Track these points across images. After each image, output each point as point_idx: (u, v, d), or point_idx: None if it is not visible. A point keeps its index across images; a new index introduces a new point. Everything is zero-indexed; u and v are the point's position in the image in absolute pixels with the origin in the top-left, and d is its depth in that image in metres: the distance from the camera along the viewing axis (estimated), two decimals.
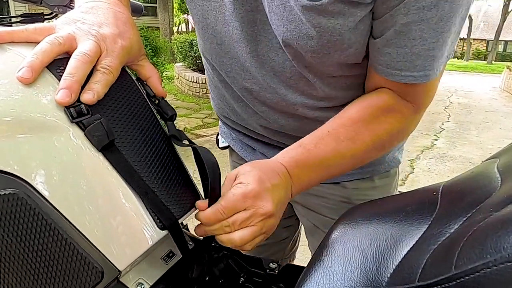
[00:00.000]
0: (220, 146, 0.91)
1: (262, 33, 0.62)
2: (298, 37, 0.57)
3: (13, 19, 1.06)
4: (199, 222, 0.54)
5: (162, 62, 4.41)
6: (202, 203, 0.53)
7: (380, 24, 0.55)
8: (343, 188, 0.81)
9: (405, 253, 0.40)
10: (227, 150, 0.95)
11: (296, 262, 1.07)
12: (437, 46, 0.54)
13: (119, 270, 0.44)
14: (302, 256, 1.28)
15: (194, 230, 0.55)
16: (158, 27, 12.34)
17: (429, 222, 0.41)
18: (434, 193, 0.45)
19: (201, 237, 0.56)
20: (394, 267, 0.39)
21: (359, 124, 0.62)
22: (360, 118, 0.63)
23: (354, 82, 0.67)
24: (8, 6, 11.13)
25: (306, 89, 0.67)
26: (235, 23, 0.62)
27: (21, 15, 0.94)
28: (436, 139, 5.43)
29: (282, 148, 0.64)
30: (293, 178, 0.59)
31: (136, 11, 0.94)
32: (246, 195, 0.52)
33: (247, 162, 0.83)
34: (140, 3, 0.96)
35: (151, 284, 0.49)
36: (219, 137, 0.92)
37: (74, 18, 0.51)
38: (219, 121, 0.93)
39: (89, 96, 0.45)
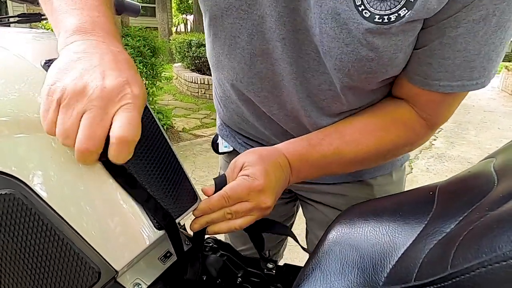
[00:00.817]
0: (220, 151, 0.87)
1: (302, 54, 0.59)
2: (355, 59, 0.54)
3: (11, 19, 1.06)
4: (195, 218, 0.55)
5: (160, 63, 4.41)
6: (209, 188, 0.56)
7: (423, 35, 0.54)
8: (368, 185, 0.81)
9: (401, 252, 0.40)
10: None
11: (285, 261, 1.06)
12: (478, 58, 0.54)
13: (116, 270, 0.44)
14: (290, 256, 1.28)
15: (190, 226, 0.56)
16: (157, 27, 12.34)
17: (426, 222, 0.41)
18: (431, 193, 0.45)
19: (194, 232, 0.57)
20: (390, 267, 0.39)
21: (367, 129, 0.63)
22: (371, 123, 0.63)
23: (379, 91, 0.66)
24: (6, 6, 11.13)
25: (335, 110, 0.66)
26: (276, 43, 0.58)
27: (18, 15, 0.94)
28: (435, 139, 5.44)
29: None
30: (293, 170, 0.62)
31: (133, 11, 0.94)
32: (253, 189, 0.55)
33: None
34: (138, 3, 0.96)
35: (148, 284, 0.49)
36: (220, 141, 0.88)
37: (67, 69, 0.42)
38: (219, 125, 0.89)
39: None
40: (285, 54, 0.59)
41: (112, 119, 0.40)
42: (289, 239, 1.11)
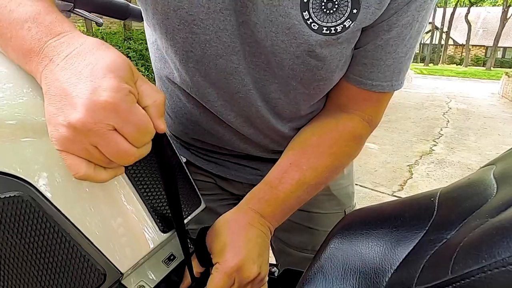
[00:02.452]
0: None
1: (253, 65, 0.60)
2: (306, 69, 0.58)
3: None
4: None
5: None
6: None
7: (361, 38, 0.59)
8: None
9: (402, 258, 0.41)
10: None
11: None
12: (404, 60, 0.61)
13: (121, 272, 0.44)
14: None
15: None
16: None
17: (427, 228, 0.41)
18: (432, 199, 0.45)
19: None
20: (392, 272, 0.40)
21: (320, 151, 0.66)
22: (321, 144, 0.66)
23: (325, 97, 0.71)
24: None
25: (292, 115, 0.69)
26: (231, 57, 0.58)
27: None
28: (435, 145, 5.44)
29: (254, 157, 0.68)
30: (268, 218, 0.63)
31: (138, 16, 0.95)
32: (230, 274, 0.55)
33: (207, 172, 0.83)
34: (141, 8, 0.96)
35: (152, 286, 0.50)
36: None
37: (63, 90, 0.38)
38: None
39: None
40: (240, 66, 0.59)
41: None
42: None
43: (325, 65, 0.58)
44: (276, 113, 0.67)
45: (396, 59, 0.60)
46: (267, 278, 0.61)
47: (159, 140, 0.44)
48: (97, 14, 0.96)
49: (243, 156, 0.78)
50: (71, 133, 0.37)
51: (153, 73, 0.76)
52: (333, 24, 0.53)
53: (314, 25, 0.53)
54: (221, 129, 0.71)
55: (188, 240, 0.60)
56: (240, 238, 0.58)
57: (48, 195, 0.42)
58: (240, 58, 0.58)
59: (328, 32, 0.53)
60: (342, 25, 0.53)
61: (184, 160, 0.82)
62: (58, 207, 0.42)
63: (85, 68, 0.38)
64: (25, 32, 0.41)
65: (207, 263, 0.57)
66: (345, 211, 0.90)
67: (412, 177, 4.08)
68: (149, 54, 0.79)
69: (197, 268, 0.58)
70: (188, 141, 0.80)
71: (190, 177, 0.56)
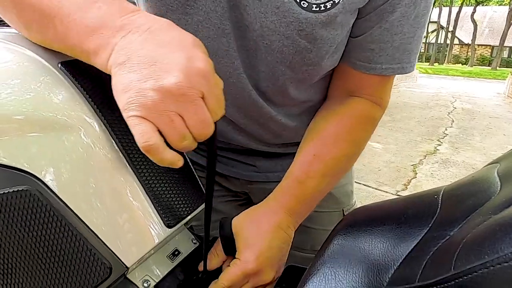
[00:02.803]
0: None
1: (243, 50, 0.60)
2: (295, 51, 0.57)
3: None
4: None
5: None
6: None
7: (363, 23, 0.59)
8: None
9: (406, 254, 0.41)
10: None
11: None
12: (413, 40, 0.60)
13: (126, 267, 0.45)
14: None
15: None
16: None
17: (430, 225, 0.42)
18: (435, 197, 0.45)
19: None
20: (395, 268, 0.40)
21: (339, 139, 0.65)
22: (339, 133, 0.66)
23: (322, 85, 0.71)
24: None
25: (286, 102, 0.69)
26: (221, 39, 0.58)
27: None
28: (439, 144, 5.42)
29: (251, 152, 0.68)
30: (296, 215, 0.62)
31: None
32: (247, 274, 0.56)
33: (205, 168, 0.83)
34: None
35: (157, 281, 0.50)
36: None
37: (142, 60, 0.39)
38: None
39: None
40: (230, 50, 0.59)
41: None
42: None
43: (315, 48, 0.57)
44: (267, 99, 0.67)
45: (404, 39, 0.59)
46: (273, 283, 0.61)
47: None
48: None
49: (239, 151, 0.78)
50: (161, 97, 0.37)
51: None
52: (323, 0, 0.52)
53: (303, 3, 0.52)
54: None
55: (194, 237, 0.61)
56: (266, 242, 0.57)
57: (55, 189, 0.42)
58: (230, 40, 0.58)
59: (318, 9, 0.52)
60: (331, 1, 0.52)
61: None
62: (65, 201, 0.42)
63: (172, 40, 0.39)
64: (95, 10, 0.41)
65: (232, 251, 0.58)
66: (343, 210, 0.90)
67: (416, 177, 4.07)
68: None
69: (212, 262, 0.59)
70: None
71: (194, 172, 0.57)
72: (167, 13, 0.57)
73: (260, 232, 0.58)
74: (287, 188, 0.63)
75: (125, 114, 0.38)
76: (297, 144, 0.74)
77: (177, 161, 0.41)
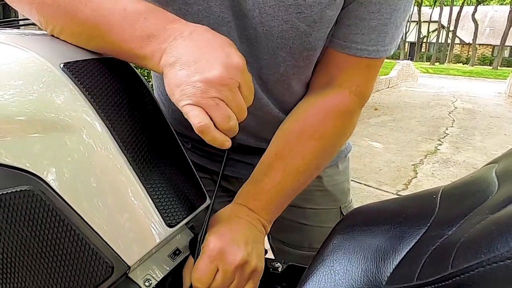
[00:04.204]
0: None
1: (244, 39, 0.61)
2: (295, 35, 0.59)
3: (21, 22, 1.08)
4: None
5: None
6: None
7: None
8: (317, 177, 0.84)
9: (404, 253, 0.41)
10: None
11: None
12: (390, 22, 0.61)
13: (128, 266, 0.45)
14: None
15: None
16: None
17: (428, 224, 0.42)
18: (434, 196, 0.46)
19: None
20: (393, 267, 0.40)
21: (304, 137, 0.64)
22: (305, 130, 0.65)
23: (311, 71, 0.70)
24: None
25: (285, 93, 0.69)
26: (222, 27, 0.60)
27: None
28: (440, 144, 5.42)
29: (248, 150, 0.70)
30: (257, 211, 0.61)
31: None
32: (211, 256, 0.53)
33: (204, 168, 0.83)
34: None
35: (158, 280, 0.51)
36: None
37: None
38: None
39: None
40: (231, 38, 0.59)
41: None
42: None
43: (314, 31, 0.59)
44: (267, 90, 0.68)
45: (381, 20, 0.60)
46: (261, 273, 0.58)
47: None
48: None
49: (237, 149, 0.78)
50: (207, 87, 0.44)
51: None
52: None
53: None
54: None
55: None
56: (225, 226, 0.57)
57: (57, 189, 0.43)
58: (231, 29, 0.60)
59: None
60: None
61: None
62: (67, 201, 0.43)
63: (211, 41, 0.47)
64: (141, 22, 0.48)
65: None
66: (340, 207, 0.90)
67: (416, 177, 4.07)
68: None
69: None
70: (183, 132, 0.79)
71: (195, 172, 0.57)
72: (168, 3, 0.59)
73: (217, 222, 0.58)
74: (245, 187, 0.64)
75: (179, 104, 0.45)
76: None
77: (226, 142, 0.47)
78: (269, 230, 0.64)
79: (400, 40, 0.66)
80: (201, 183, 0.57)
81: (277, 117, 0.71)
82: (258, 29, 0.59)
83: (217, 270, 0.54)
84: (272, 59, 0.63)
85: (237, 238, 0.56)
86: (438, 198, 0.45)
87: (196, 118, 0.44)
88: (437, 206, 0.44)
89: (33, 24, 1.06)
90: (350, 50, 0.63)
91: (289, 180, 0.63)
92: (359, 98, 0.67)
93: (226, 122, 0.45)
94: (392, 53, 0.66)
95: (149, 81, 0.60)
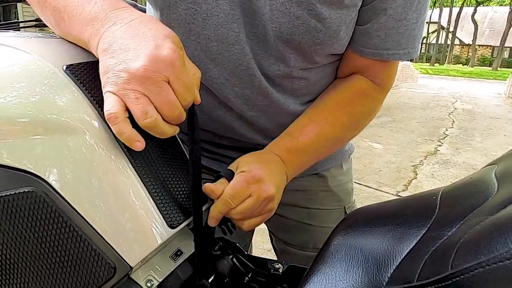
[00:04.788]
0: None
1: (252, 36, 0.63)
2: (305, 31, 0.60)
3: (21, 24, 1.09)
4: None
5: None
6: (215, 187, 0.58)
7: (369, 10, 0.62)
8: (322, 177, 0.87)
9: (404, 254, 0.41)
10: None
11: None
12: (417, 26, 0.64)
13: (130, 267, 0.46)
14: None
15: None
16: None
17: (428, 225, 0.42)
18: (434, 197, 0.46)
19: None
20: (394, 268, 0.41)
21: (336, 108, 0.70)
22: (336, 102, 0.71)
23: (330, 69, 0.74)
24: (16, 7, 11.18)
25: (294, 86, 0.71)
26: (231, 25, 0.60)
27: (35, 20, 0.97)
28: (440, 145, 5.43)
29: (249, 148, 0.70)
30: (287, 164, 0.66)
31: None
32: (249, 180, 0.58)
33: (209, 169, 0.84)
34: (144, 7, 0.97)
35: (160, 281, 0.51)
36: None
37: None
38: None
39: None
40: (240, 35, 0.62)
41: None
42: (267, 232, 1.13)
43: (324, 28, 0.60)
44: (276, 85, 0.70)
45: (408, 26, 0.63)
46: (273, 212, 0.62)
47: (191, 111, 0.52)
48: None
49: (242, 149, 0.79)
50: (129, 78, 0.42)
51: None
52: None
53: None
54: (221, 113, 0.72)
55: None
56: (265, 164, 0.61)
57: (60, 190, 0.43)
58: (240, 26, 0.61)
59: None
60: None
61: None
62: (69, 202, 0.43)
63: (147, 31, 0.45)
64: (92, 5, 0.48)
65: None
66: (344, 207, 0.91)
67: (416, 177, 4.08)
68: None
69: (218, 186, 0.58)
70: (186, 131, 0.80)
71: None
72: (177, 3, 0.60)
73: (255, 155, 0.64)
74: (279, 140, 0.69)
75: (103, 91, 0.44)
76: None
77: (134, 141, 0.44)
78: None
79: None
80: (202, 184, 0.57)
81: (293, 111, 0.72)
82: (267, 26, 0.60)
83: (249, 195, 0.57)
84: (280, 55, 0.64)
85: (272, 175, 0.61)
86: (438, 199, 0.46)
87: (107, 106, 0.43)
88: (437, 207, 0.44)
89: (33, 26, 1.07)
90: (381, 56, 0.66)
91: (319, 143, 0.69)
92: (381, 88, 0.73)
93: (143, 117, 0.43)
94: (419, 51, 0.70)
95: None
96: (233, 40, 0.61)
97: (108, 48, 0.44)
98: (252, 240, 1.11)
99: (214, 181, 0.60)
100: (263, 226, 1.06)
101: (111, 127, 0.44)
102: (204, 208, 0.56)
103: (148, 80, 0.42)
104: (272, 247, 1.03)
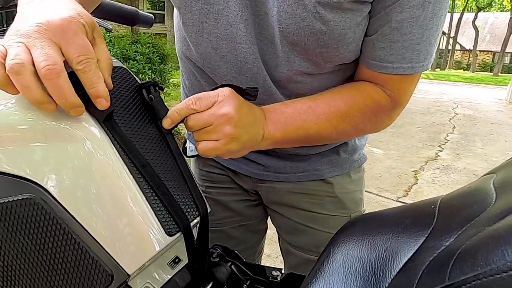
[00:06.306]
0: (188, 154, 0.87)
1: (261, 37, 0.65)
2: (310, 33, 0.61)
3: None
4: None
5: (169, 69, 4.48)
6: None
7: (375, 22, 0.63)
8: (329, 183, 0.87)
9: (403, 264, 0.41)
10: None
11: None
12: (422, 41, 0.63)
13: (128, 274, 0.45)
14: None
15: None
16: (166, 34, 12.42)
17: (427, 235, 0.42)
18: (432, 207, 0.46)
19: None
20: (391, 278, 0.40)
21: (334, 94, 0.70)
22: (337, 91, 0.70)
23: (333, 76, 0.73)
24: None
25: (298, 89, 0.72)
26: (240, 25, 0.64)
27: None
28: (441, 151, 5.42)
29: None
30: (268, 120, 0.64)
31: (147, 22, 0.97)
32: (219, 94, 0.57)
33: (220, 165, 0.87)
34: (151, 15, 0.98)
35: None
36: (188, 144, 0.89)
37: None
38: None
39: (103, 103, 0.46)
40: (247, 35, 0.65)
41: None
42: (268, 236, 1.13)
43: (329, 30, 0.61)
44: (280, 86, 0.71)
45: (413, 40, 0.63)
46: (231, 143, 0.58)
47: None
48: (107, 20, 0.98)
49: None
50: (20, 35, 0.42)
51: (159, 76, 0.79)
52: None
53: None
54: None
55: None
56: (242, 101, 0.59)
57: (58, 197, 0.43)
58: (248, 26, 0.64)
59: None
60: None
61: (196, 153, 0.83)
62: (67, 209, 0.43)
63: (51, 7, 0.45)
64: None
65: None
66: (350, 215, 0.91)
67: (417, 183, 4.07)
68: (156, 57, 0.84)
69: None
70: None
71: (195, 180, 0.57)
72: (192, 3, 0.65)
73: (242, 99, 0.60)
74: (271, 104, 0.68)
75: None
76: (306, 146, 0.75)
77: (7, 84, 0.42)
78: (268, 143, 0.66)
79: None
80: (200, 191, 0.57)
81: None
82: (275, 27, 0.63)
83: (211, 125, 0.56)
84: (286, 57, 0.66)
85: (242, 114, 0.58)
86: (437, 208, 0.45)
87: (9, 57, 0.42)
88: (436, 216, 0.44)
89: None
90: (386, 69, 0.66)
91: (309, 115, 0.66)
92: (392, 101, 0.71)
93: (10, 57, 0.41)
94: (429, 67, 0.69)
95: (163, 86, 0.61)
96: (241, 39, 0.65)
97: (16, 19, 0.47)
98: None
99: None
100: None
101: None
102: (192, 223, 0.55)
103: (34, 35, 0.42)
104: (271, 251, 1.04)
